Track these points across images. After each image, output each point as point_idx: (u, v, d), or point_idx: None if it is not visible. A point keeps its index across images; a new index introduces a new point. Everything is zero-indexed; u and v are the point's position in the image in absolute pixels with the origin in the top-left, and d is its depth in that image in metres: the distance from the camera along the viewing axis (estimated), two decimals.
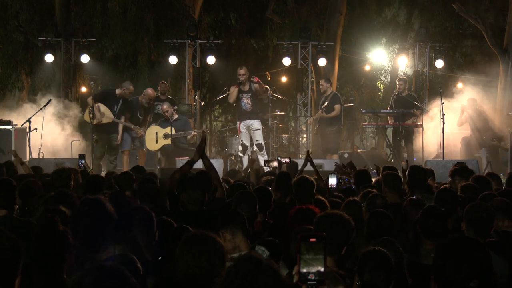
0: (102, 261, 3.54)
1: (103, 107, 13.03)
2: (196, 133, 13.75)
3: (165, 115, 13.66)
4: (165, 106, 13.83)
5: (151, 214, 4.35)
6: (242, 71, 13.24)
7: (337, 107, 14.59)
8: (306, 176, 6.28)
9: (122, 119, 13.24)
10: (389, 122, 15.16)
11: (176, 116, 13.71)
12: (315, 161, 13.53)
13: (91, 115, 12.81)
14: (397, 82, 15.57)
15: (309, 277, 2.49)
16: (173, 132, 13.38)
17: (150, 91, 13.84)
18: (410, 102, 14.80)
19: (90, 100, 13.05)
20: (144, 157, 13.61)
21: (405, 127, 14.60)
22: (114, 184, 7.02)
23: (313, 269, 2.50)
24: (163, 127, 13.58)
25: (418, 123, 14.96)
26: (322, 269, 2.49)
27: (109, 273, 2.42)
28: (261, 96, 13.54)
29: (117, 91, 13.31)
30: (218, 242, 3.42)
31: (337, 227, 3.96)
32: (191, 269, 3.29)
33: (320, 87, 15.16)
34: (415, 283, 4.23)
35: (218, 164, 13.29)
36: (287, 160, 9.75)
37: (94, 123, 12.90)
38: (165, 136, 13.45)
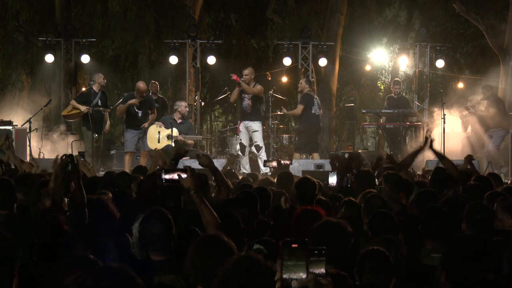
0: (103, 261, 3.52)
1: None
2: (193, 142, 13.86)
3: (185, 112, 13.60)
4: (185, 103, 13.85)
5: (167, 215, 4.32)
6: (246, 71, 13.17)
7: (299, 106, 14.13)
8: (308, 176, 6.27)
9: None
10: (381, 121, 15.22)
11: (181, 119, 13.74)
12: (316, 161, 13.61)
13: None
14: (393, 86, 15.56)
15: (291, 283, 2.48)
16: (176, 134, 13.40)
17: (141, 84, 13.52)
18: (401, 104, 14.84)
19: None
20: (146, 158, 13.53)
21: (405, 127, 14.59)
22: (108, 184, 6.97)
23: (295, 275, 2.47)
24: (167, 127, 13.56)
25: (419, 122, 14.98)
26: (304, 276, 2.47)
27: (113, 273, 2.41)
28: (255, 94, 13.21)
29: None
30: (230, 244, 3.43)
31: (335, 236, 3.93)
32: (202, 270, 3.30)
33: (299, 85, 14.75)
34: (414, 283, 4.22)
35: (218, 164, 13.29)
36: (287, 162, 9.72)
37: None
38: (168, 137, 13.43)
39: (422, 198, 5.87)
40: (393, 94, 15.32)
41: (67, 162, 5.26)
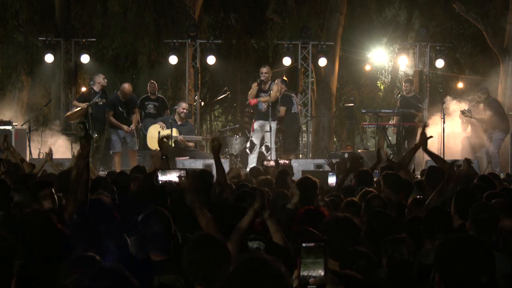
0: (102, 261, 3.52)
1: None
2: (193, 144, 13.88)
3: (181, 112, 13.67)
4: (185, 104, 13.96)
5: (167, 215, 4.32)
6: (265, 69, 13.14)
7: (281, 108, 13.87)
8: (309, 176, 6.27)
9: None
10: (391, 122, 15.16)
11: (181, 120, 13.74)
12: (315, 160, 13.60)
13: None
14: (403, 84, 15.53)
15: (310, 281, 2.48)
16: (176, 134, 13.41)
17: (126, 86, 13.68)
18: (413, 103, 14.81)
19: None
20: (134, 157, 13.59)
21: (406, 127, 14.58)
22: (109, 184, 6.96)
23: (314, 273, 2.49)
24: (167, 127, 13.56)
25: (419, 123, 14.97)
26: (322, 273, 2.48)
27: (108, 273, 2.41)
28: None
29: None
30: (225, 245, 3.42)
31: (343, 231, 3.96)
32: (197, 271, 3.31)
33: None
34: (414, 282, 4.22)
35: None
36: (286, 161, 9.73)
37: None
38: (168, 137, 13.43)
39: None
40: (402, 92, 15.30)
41: (85, 129, 5.04)
